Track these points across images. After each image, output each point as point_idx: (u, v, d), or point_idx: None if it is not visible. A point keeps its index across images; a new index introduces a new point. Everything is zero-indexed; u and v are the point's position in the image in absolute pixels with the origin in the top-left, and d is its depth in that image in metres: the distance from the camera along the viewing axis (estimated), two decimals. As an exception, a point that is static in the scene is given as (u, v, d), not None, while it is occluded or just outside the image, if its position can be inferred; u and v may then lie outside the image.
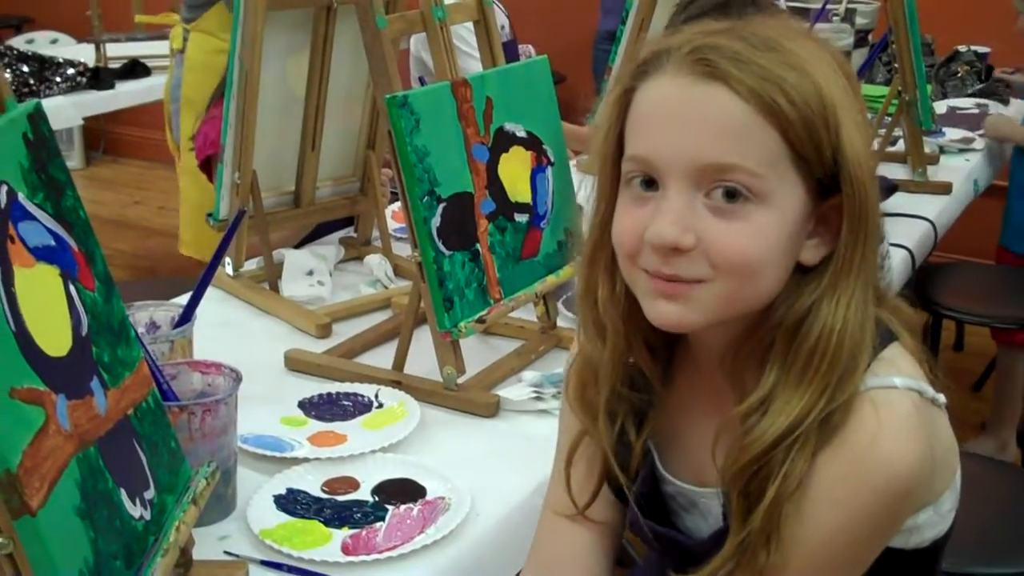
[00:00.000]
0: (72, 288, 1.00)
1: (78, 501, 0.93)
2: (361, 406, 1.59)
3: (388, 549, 1.26)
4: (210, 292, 1.51)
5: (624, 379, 1.09)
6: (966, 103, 3.65)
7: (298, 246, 2.22)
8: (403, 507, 1.35)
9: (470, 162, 1.59)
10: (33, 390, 0.90)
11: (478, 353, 1.72)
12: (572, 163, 1.81)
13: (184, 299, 1.52)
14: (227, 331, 1.82)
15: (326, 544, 1.28)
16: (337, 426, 1.54)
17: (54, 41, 5.16)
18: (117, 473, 1.00)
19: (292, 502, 1.35)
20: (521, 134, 1.68)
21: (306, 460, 1.43)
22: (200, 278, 1.48)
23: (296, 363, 1.72)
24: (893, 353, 1.00)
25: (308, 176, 2.09)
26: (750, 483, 0.97)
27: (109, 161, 6.51)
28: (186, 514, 1.11)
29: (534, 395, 1.60)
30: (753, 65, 0.93)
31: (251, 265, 2.09)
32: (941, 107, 3.54)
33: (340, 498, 1.37)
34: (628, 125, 1.00)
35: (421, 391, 1.61)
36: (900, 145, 2.98)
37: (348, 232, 2.32)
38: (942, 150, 3.13)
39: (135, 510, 1.03)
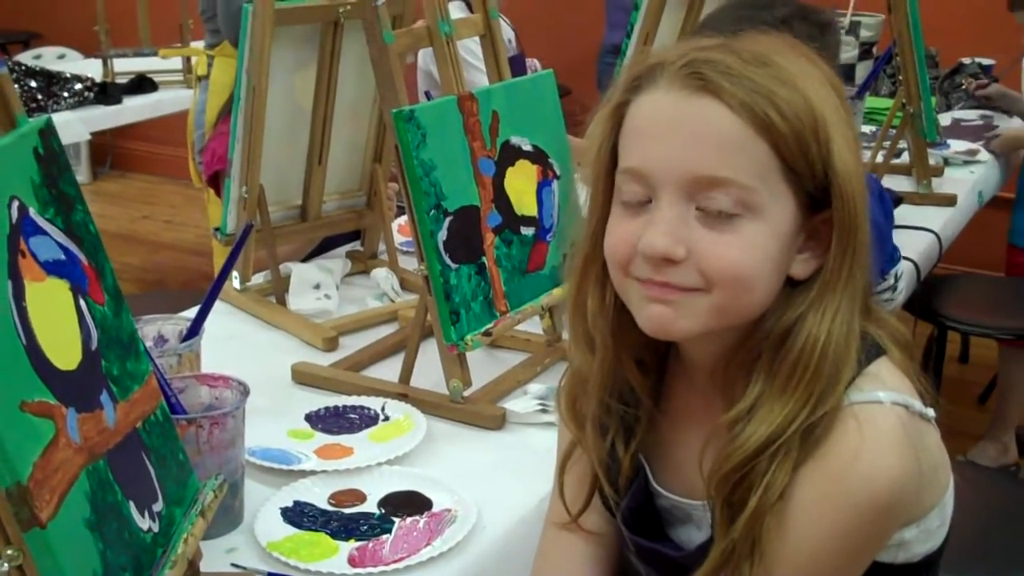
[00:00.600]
0: (82, 302, 1.01)
1: (88, 513, 0.94)
2: (368, 419, 1.59)
3: (395, 561, 1.27)
4: (217, 306, 1.52)
5: (613, 392, 1.10)
6: (970, 115, 3.66)
7: (305, 260, 2.23)
8: (409, 519, 1.36)
9: (476, 176, 1.60)
10: (43, 403, 0.90)
11: (484, 366, 1.72)
12: (577, 176, 1.82)
13: (192, 313, 1.53)
14: (234, 345, 1.83)
15: (333, 556, 1.29)
16: (344, 439, 1.54)
17: (61, 56, 5.18)
18: (126, 486, 1.01)
19: (299, 515, 1.36)
20: (527, 148, 1.69)
21: (313, 473, 1.43)
22: (208, 292, 1.49)
23: (303, 376, 1.73)
24: (880, 368, 1.01)
25: (315, 190, 2.10)
26: (734, 492, 0.98)
27: (116, 176, 6.53)
28: (194, 526, 1.11)
29: (540, 407, 1.61)
30: (745, 79, 0.94)
31: (258, 279, 2.10)
32: (945, 119, 3.54)
33: (347, 510, 1.37)
34: (621, 138, 1.01)
35: (427, 404, 1.61)
36: (904, 157, 2.99)
37: (355, 246, 2.32)
38: (947, 162, 3.13)
39: (144, 522, 1.04)
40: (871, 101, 3.36)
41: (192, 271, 4.94)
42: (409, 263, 2.17)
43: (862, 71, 3.06)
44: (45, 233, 0.98)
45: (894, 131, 2.87)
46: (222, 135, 2.16)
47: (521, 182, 1.68)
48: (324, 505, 1.38)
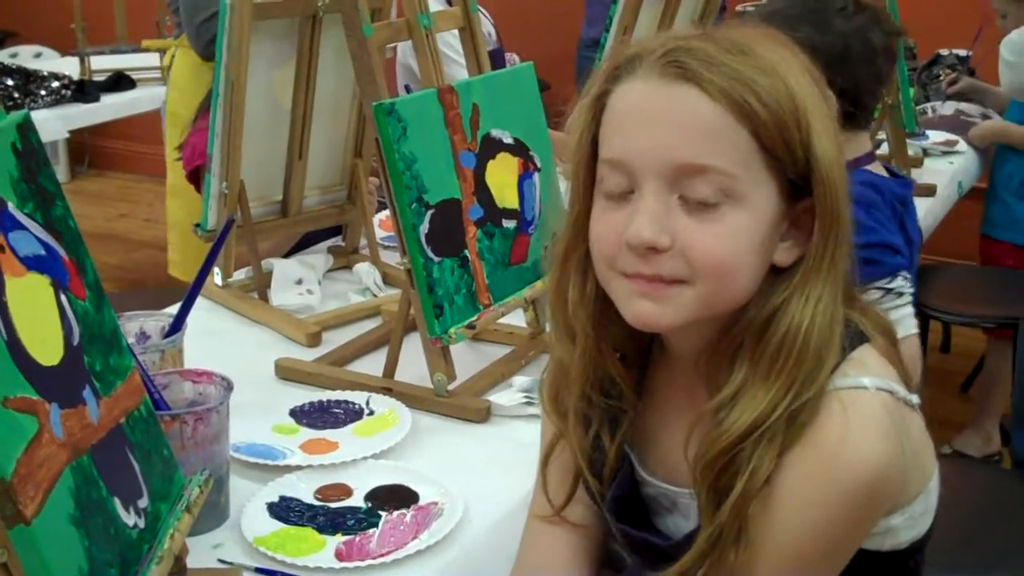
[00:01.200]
0: (63, 297, 1.01)
1: (72, 509, 0.93)
2: (352, 413, 1.59)
3: (382, 555, 1.27)
4: (199, 302, 1.52)
5: (594, 383, 1.10)
6: (948, 106, 3.68)
7: (286, 256, 2.22)
8: (396, 513, 1.35)
9: (457, 169, 1.59)
10: (26, 399, 0.90)
11: (468, 359, 1.72)
12: (558, 170, 1.82)
13: (174, 309, 1.52)
14: (217, 341, 1.82)
15: (320, 551, 1.28)
16: (329, 433, 1.54)
17: (38, 55, 5.16)
18: (111, 481, 1.01)
19: (285, 509, 1.35)
20: (508, 140, 1.69)
21: (298, 468, 1.43)
22: (190, 288, 1.48)
23: (287, 371, 1.72)
24: (863, 354, 1.01)
25: (296, 185, 2.09)
26: (719, 478, 0.98)
27: (94, 175, 6.50)
28: (180, 522, 1.11)
29: (525, 400, 1.61)
30: (725, 67, 0.95)
31: (239, 275, 2.09)
32: (923, 110, 3.56)
33: (333, 505, 1.37)
34: (602, 128, 1.01)
35: (412, 398, 1.61)
36: (884, 148, 3.00)
37: (336, 241, 2.32)
38: (926, 153, 3.15)
39: (129, 518, 1.03)
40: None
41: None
42: (391, 257, 2.17)
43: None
44: (24, 228, 0.97)
45: (873, 122, 2.88)
46: (201, 131, 2.15)
47: (502, 175, 1.68)
48: (310, 500, 1.38)
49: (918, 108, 3.39)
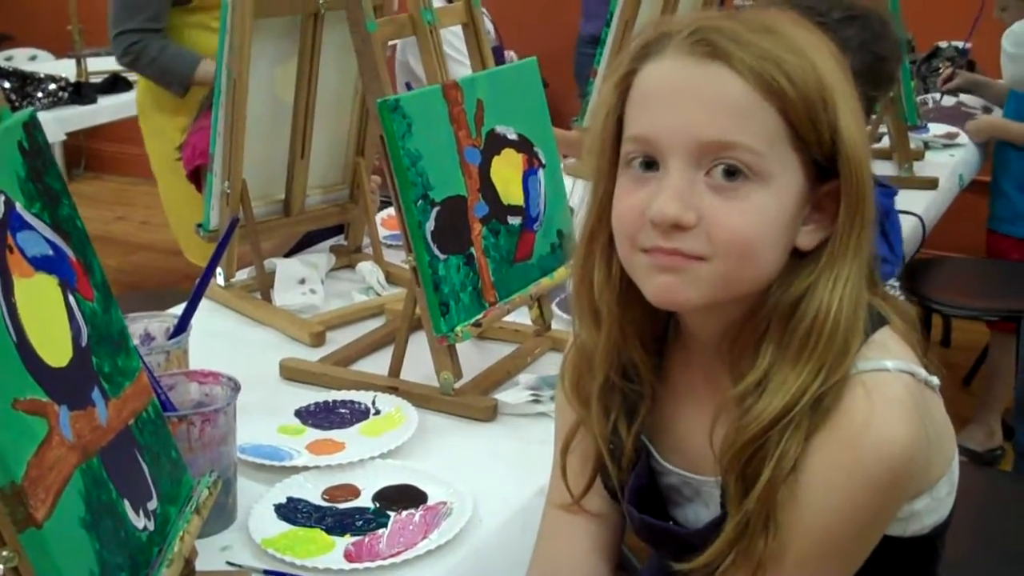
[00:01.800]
0: (71, 298, 1.00)
1: (83, 512, 0.92)
2: (358, 413, 1.58)
3: (392, 555, 1.26)
4: (202, 303, 1.50)
5: (618, 367, 1.09)
6: (948, 98, 3.68)
7: (287, 255, 2.21)
8: (404, 513, 1.34)
9: (463, 165, 1.58)
10: (36, 401, 0.89)
11: (473, 357, 1.71)
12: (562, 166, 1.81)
13: (177, 310, 1.51)
14: (221, 341, 1.81)
15: (329, 552, 1.27)
16: (335, 434, 1.53)
17: (33, 58, 5.14)
18: (120, 484, 1.00)
19: (293, 511, 1.34)
20: (512, 136, 1.68)
21: (305, 468, 1.42)
22: (195, 288, 1.47)
23: (291, 372, 1.71)
24: (883, 336, 1.00)
25: (298, 184, 2.08)
26: (747, 466, 0.97)
27: (91, 177, 6.48)
28: (190, 524, 1.10)
29: (532, 398, 1.60)
30: (753, 46, 0.94)
31: (242, 275, 2.08)
32: (923, 101, 3.56)
33: (341, 506, 1.36)
34: (628, 107, 1.00)
35: (418, 397, 1.60)
36: (885, 142, 2.99)
37: (338, 240, 2.31)
38: (927, 146, 3.14)
39: (139, 521, 1.02)
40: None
41: (169, 271, 4.90)
42: (393, 256, 2.16)
43: (841, 57, 3.06)
44: (32, 228, 0.96)
45: (875, 116, 2.87)
46: (203, 130, 2.14)
47: (507, 171, 1.67)
48: (318, 501, 1.37)
49: (918, 100, 3.38)
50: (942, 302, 3.08)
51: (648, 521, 1.11)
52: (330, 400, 1.61)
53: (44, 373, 0.91)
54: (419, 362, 1.63)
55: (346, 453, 1.46)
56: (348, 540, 1.29)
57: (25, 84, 3.92)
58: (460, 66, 2.61)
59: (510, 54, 3.94)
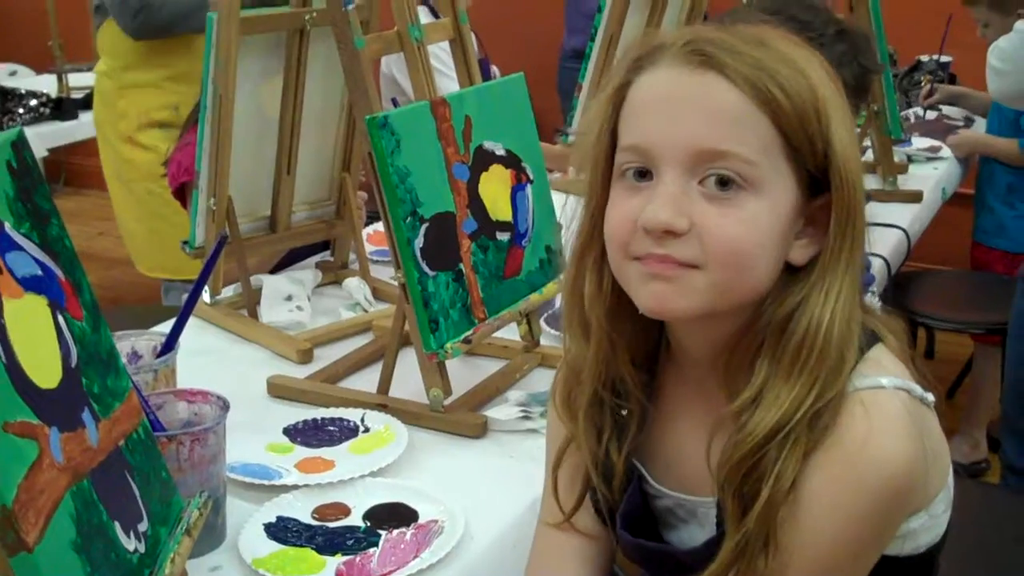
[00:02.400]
0: (60, 318, 0.98)
1: (74, 535, 0.91)
2: (347, 431, 1.57)
3: (384, 575, 1.25)
4: (188, 321, 1.49)
5: (607, 383, 1.09)
6: (930, 113, 3.70)
7: (272, 271, 2.20)
8: (396, 531, 1.33)
9: (451, 181, 1.58)
10: (26, 423, 0.88)
11: (462, 374, 1.70)
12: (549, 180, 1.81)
13: (163, 328, 1.50)
14: (207, 359, 1.80)
15: (320, 572, 1.26)
16: (324, 452, 1.52)
17: (13, 73, 5.10)
18: (111, 506, 0.98)
19: (283, 530, 1.33)
20: (500, 152, 1.68)
21: (295, 487, 1.41)
22: (183, 306, 1.46)
23: (279, 389, 1.70)
24: (878, 353, 1.01)
25: (284, 200, 2.07)
26: (744, 483, 0.97)
27: (71, 193, 6.45)
28: (180, 545, 1.09)
29: (521, 414, 1.59)
30: (748, 56, 0.95)
31: (227, 292, 2.07)
32: (905, 116, 3.58)
33: (331, 524, 1.35)
34: (622, 118, 1.00)
35: (407, 414, 1.59)
36: (869, 155, 3.00)
37: (325, 256, 2.30)
38: (911, 159, 3.16)
39: (130, 543, 1.01)
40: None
41: (150, 287, 4.85)
42: (380, 272, 2.15)
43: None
44: (21, 248, 0.95)
45: (858, 129, 2.88)
46: (188, 146, 2.13)
47: (495, 187, 1.66)
48: (308, 520, 1.35)
49: (901, 114, 3.40)
50: (927, 315, 3.09)
51: (642, 544, 1.10)
52: (319, 418, 1.60)
53: (34, 395, 0.90)
54: (408, 379, 1.62)
55: (336, 471, 1.45)
56: (339, 559, 1.28)
57: (6, 100, 3.91)
58: (446, 79, 2.60)
59: (494, 69, 3.94)
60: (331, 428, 1.58)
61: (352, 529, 1.34)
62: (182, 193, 2.27)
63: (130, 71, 3.06)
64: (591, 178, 1.04)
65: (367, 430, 1.57)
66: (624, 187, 0.99)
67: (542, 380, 1.72)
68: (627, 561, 1.19)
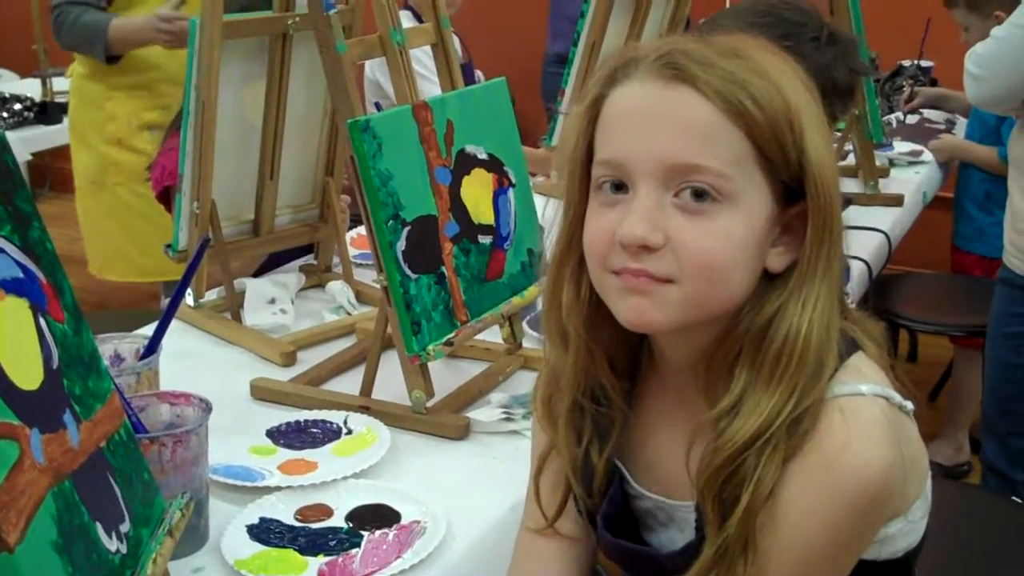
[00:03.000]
0: (42, 320, 0.99)
1: (55, 536, 0.91)
2: (330, 433, 1.58)
3: (366, 575, 1.25)
4: (171, 324, 1.49)
5: (586, 391, 1.10)
6: (912, 117, 3.72)
7: (255, 275, 2.20)
8: (378, 532, 1.34)
9: (433, 185, 1.59)
10: (6, 424, 0.88)
11: (444, 376, 1.71)
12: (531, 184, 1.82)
13: (146, 331, 1.50)
14: (191, 362, 1.80)
15: (302, 572, 1.27)
16: (307, 454, 1.52)
17: (-3, 77, 5.11)
18: (92, 507, 0.99)
19: (266, 531, 1.34)
20: (482, 156, 1.69)
21: (278, 489, 1.41)
22: (166, 309, 1.47)
23: (262, 392, 1.71)
24: (858, 361, 1.01)
25: (267, 204, 2.08)
26: (724, 489, 0.97)
27: (54, 197, 6.42)
28: (162, 546, 1.09)
29: (504, 416, 1.60)
30: (720, 68, 0.95)
31: (210, 295, 2.07)
32: (887, 121, 3.60)
33: (314, 525, 1.36)
34: (598, 131, 1.01)
35: (390, 416, 1.60)
36: (851, 159, 3.02)
37: (308, 259, 2.30)
38: (892, 163, 3.18)
39: (111, 544, 1.01)
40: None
41: (133, 291, 4.85)
42: (363, 275, 2.16)
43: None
44: (2, 251, 0.96)
45: (839, 134, 2.90)
46: (172, 150, 2.13)
47: (477, 191, 1.67)
48: (291, 521, 1.36)
49: (883, 119, 3.42)
50: (908, 317, 3.11)
51: (623, 546, 1.11)
52: (302, 420, 1.60)
53: (15, 396, 0.90)
54: (391, 381, 1.63)
55: (318, 473, 1.46)
56: (322, 560, 1.29)
57: (-10, 104, 3.90)
58: (429, 83, 2.61)
59: (478, 74, 3.95)
60: (314, 430, 1.58)
61: (334, 530, 1.35)
62: (166, 197, 2.28)
63: (118, 74, 3.05)
64: (569, 190, 1.05)
65: (350, 432, 1.58)
66: (601, 200, 1.00)
67: (524, 382, 1.73)
68: (609, 561, 1.20)
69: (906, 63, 3.83)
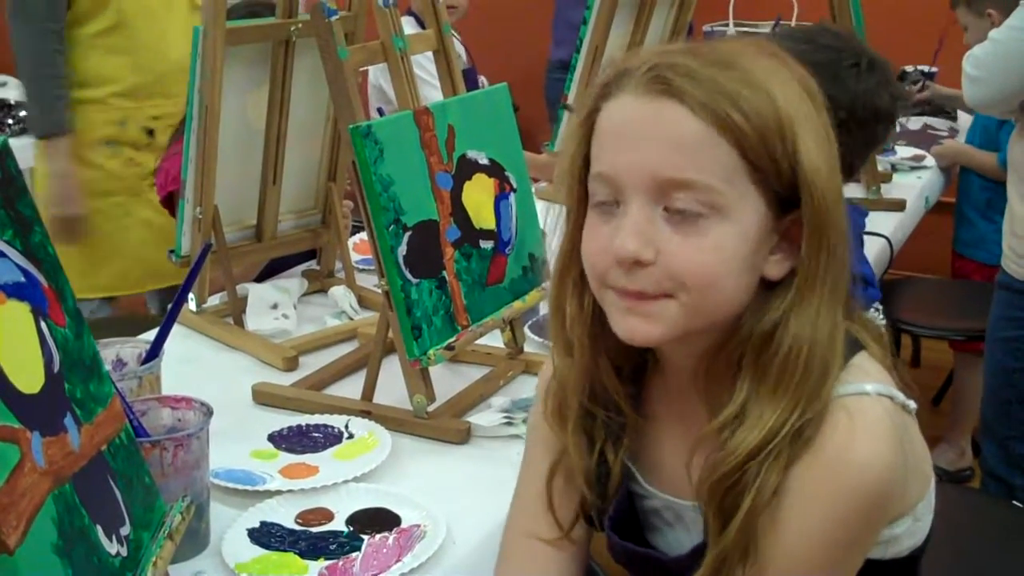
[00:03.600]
0: (43, 324, 1.00)
1: (55, 539, 0.92)
2: (331, 437, 1.58)
3: (366, 579, 1.26)
4: (174, 328, 1.50)
5: (593, 397, 1.10)
6: (915, 122, 3.72)
7: (258, 280, 2.21)
8: (378, 536, 1.35)
9: (434, 190, 1.59)
10: (7, 428, 0.89)
11: (446, 380, 1.72)
12: (532, 189, 1.82)
13: (148, 336, 1.51)
14: (193, 367, 1.81)
15: (303, 576, 1.27)
16: (308, 458, 1.53)
17: (3, 84, 5.11)
18: (93, 510, 1.00)
19: (267, 535, 1.34)
20: (484, 161, 1.69)
21: (279, 492, 1.42)
22: (167, 314, 1.47)
23: (264, 396, 1.71)
24: (861, 360, 1.01)
25: (270, 209, 2.09)
26: (725, 498, 0.97)
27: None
28: (163, 549, 1.10)
29: (504, 420, 1.60)
30: (707, 81, 0.95)
31: (213, 300, 2.08)
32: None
33: (315, 529, 1.36)
34: (593, 145, 1.02)
35: (391, 420, 1.60)
36: (853, 164, 3.02)
37: (311, 265, 2.31)
38: (894, 168, 3.18)
39: (112, 547, 1.02)
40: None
41: (133, 296, 4.85)
42: (366, 280, 2.17)
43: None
44: (4, 255, 0.96)
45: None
46: (175, 155, 2.14)
47: (479, 196, 1.68)
48: (291, 525, 1.37)
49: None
50: (910, 322, 3.11)
51: (629, 548, 1.11)
52: (303, 424, 1.61)
53: (16, 399, 0.91)
54: (392, 385, 1.63)
55: (319, 477, 1.46)
56: (322, 564, 1.30)
57: (-4, 111, 3.91)
58: (432, 89, 2.62)
59: (481, 79, 3.96)
60: (315, 434, 1.59)
61: (335, 534, 1.35)
62: (170, 201, 2.28)
63: (76, 89, 2.90)
64: (567, 204, 1.06)
65: (351, 436, 1.58)
66: (597, 214, 1.00)
67: (526, 386, 1.73)
68: (606, 559, 1.20)
69: (909, 68, 3.83)
